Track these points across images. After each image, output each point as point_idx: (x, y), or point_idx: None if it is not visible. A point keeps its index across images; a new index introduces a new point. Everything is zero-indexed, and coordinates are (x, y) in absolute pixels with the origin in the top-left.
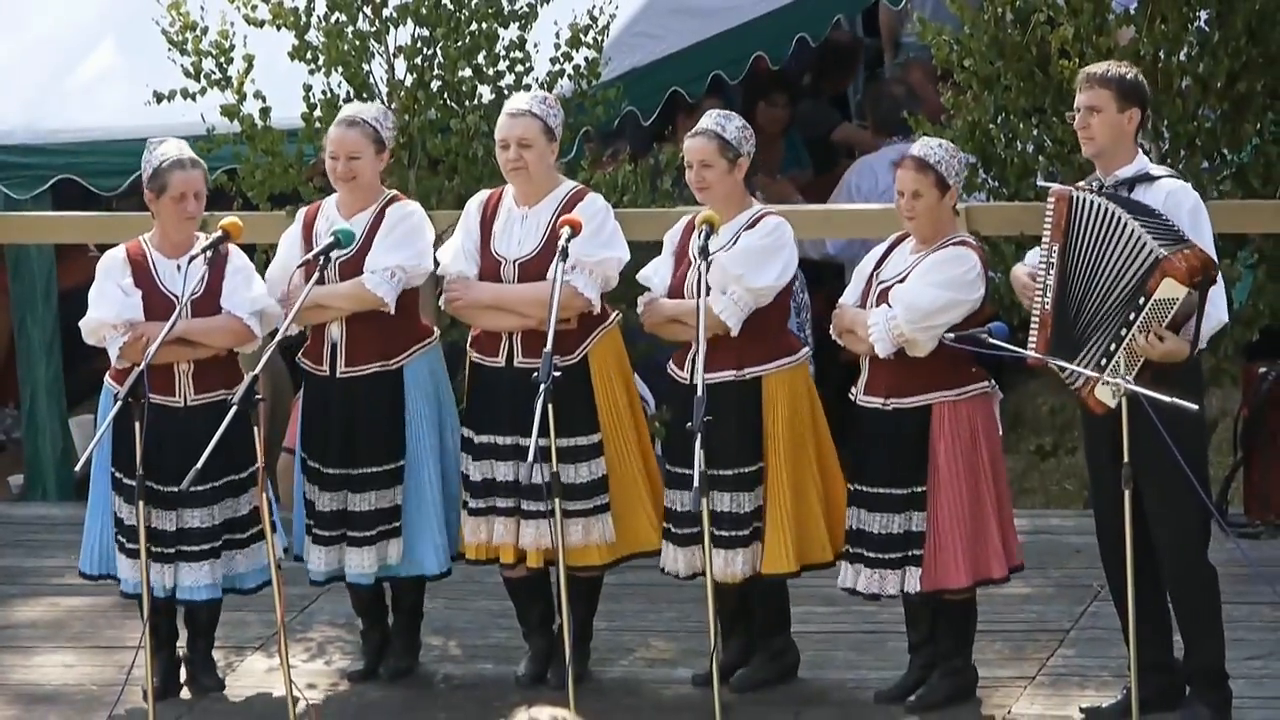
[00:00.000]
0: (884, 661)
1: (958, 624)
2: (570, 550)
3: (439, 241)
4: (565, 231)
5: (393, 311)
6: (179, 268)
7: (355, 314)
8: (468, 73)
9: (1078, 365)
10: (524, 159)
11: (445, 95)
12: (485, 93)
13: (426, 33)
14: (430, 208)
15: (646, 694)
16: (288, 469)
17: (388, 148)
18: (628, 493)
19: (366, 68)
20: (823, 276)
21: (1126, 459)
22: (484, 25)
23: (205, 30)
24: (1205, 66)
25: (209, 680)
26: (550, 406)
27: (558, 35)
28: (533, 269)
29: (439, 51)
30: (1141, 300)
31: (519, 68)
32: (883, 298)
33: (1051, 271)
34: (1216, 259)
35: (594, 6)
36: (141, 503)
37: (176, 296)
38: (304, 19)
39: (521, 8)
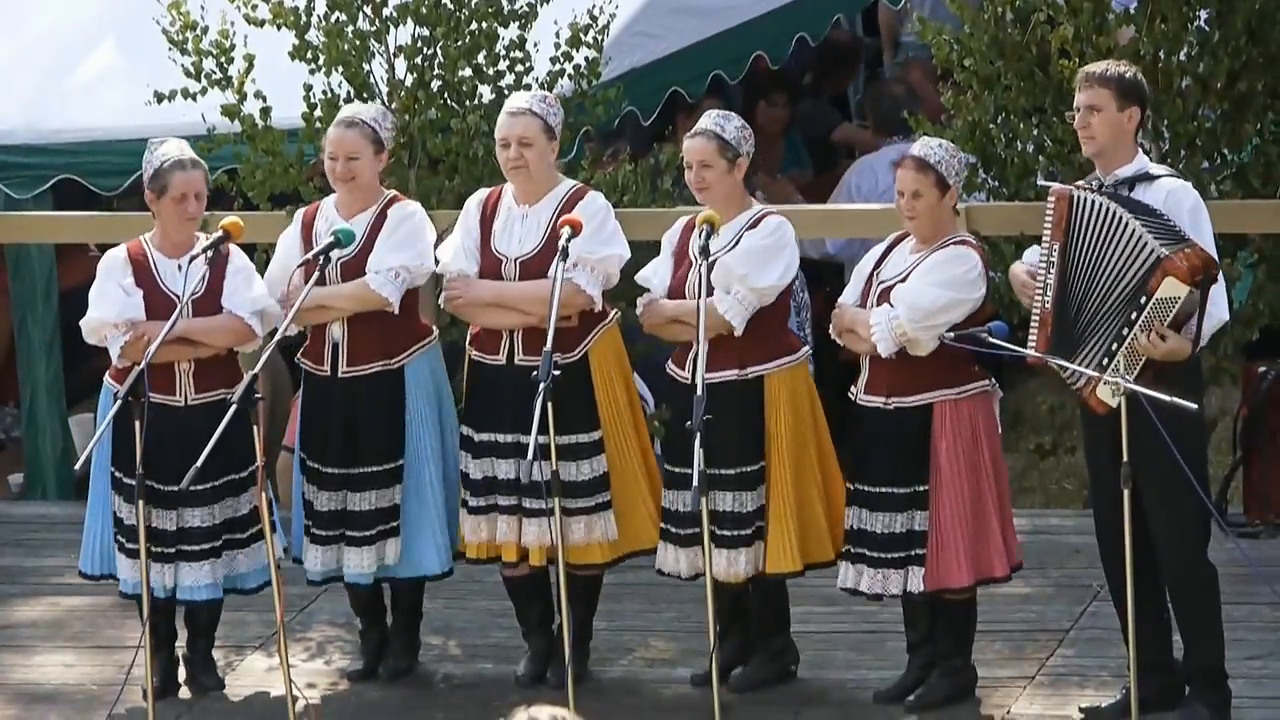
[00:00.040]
0: (884, 661)
1: (958, 623)
2: (573, 548)
3: (439, 240)
4: (565, 231)
5: (397, 311)
6: (180, 267)
7: (357, 314)
8: (468, 72)
9: (1078, 364)
10: (525, 157)
11: (445, 95)
12: (485, 92)
13: (427, 32)
14: (431, 207)
15: (646, 694)
16: (287, 468)
17: (386, 148)
18: (628, 490)
19: (367, 67)
20: (822, 276)
21: (1126, 458)
22: (484, 25)
23: (205, 30)
24: (1205, 66)
25: (209, 680)
26: (550, 405)
27: (558, 35)
28: (534, 267)
29: (439, 51)
30: (1143, 300)
31: (519, 67)
32: (883, 297)
33: (1052, 270)
34: (1217, 258)
35: (594, 6)
36: (141, 502)
37: (177, 296)
38: (304, 18)
39: (521, 7)
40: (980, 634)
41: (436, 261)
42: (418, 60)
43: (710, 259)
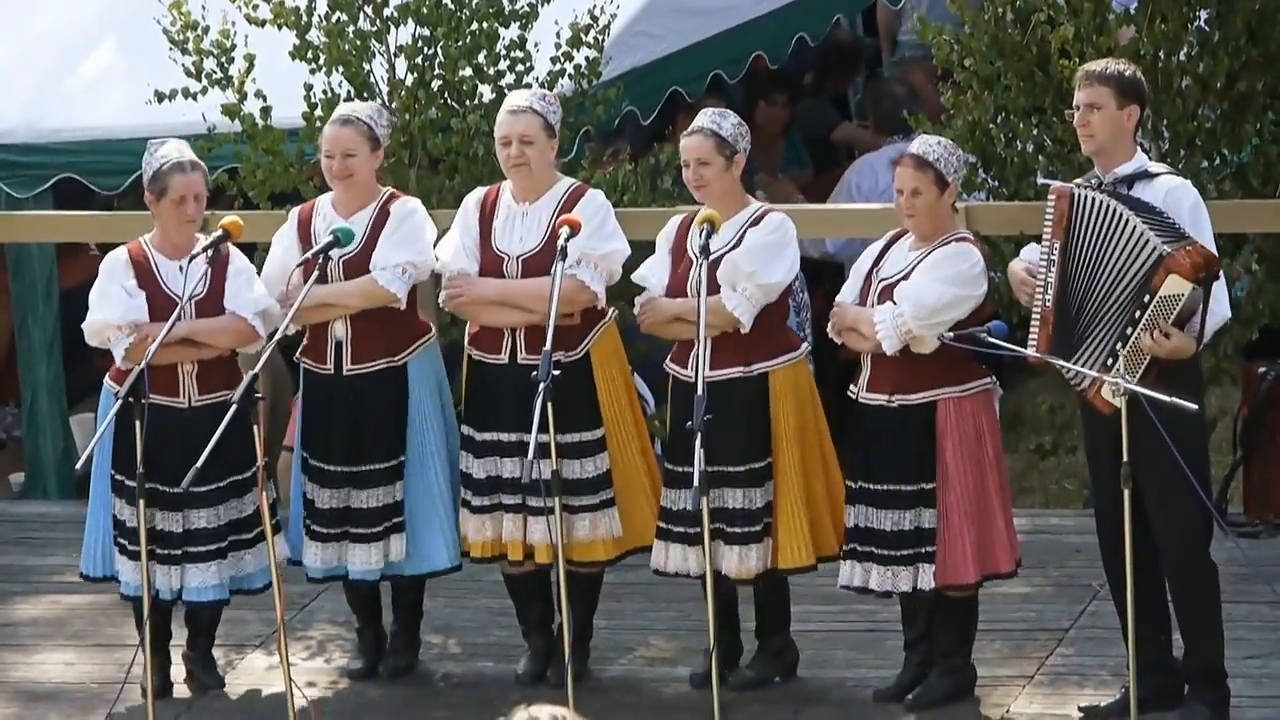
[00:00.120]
0: (883, 660)
1: (959, 622)
2: (577, 545)
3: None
4: (564, 231)
5: (404, 307)
6: (181, 268)
7: (360, 312)
8: (468, 72)
9: (1081, 364)
10: (526, 155)
11: (446, 95)
12: (486, 92)
13: (427, 32)
14: (431, 206)
15: (646, 693)
16: (288, 468)
17: (383, 145)
18: (630, 487)
19: (367, 67)
20: (822, 275)
21: (1126, 458)
22: (485, 25)
23: (206, 30)
24: (1205, 66)
25: (209, 678)
26: (550, 404)
27: (558, 35)
28: (535, 265)
29: (440, 51)
30: (1146, 298)
31: (520, 67)
32: (884, 295)
33: (1053, 269)
34: (1217, 256)
35: (594, 6)
36: (141, 502)
37: (180, 297)
38: (305, 18)
39: (522, 7)
40: (980, 633)
41: (435, 259)
42: (418, 60)
43: (711, 257)
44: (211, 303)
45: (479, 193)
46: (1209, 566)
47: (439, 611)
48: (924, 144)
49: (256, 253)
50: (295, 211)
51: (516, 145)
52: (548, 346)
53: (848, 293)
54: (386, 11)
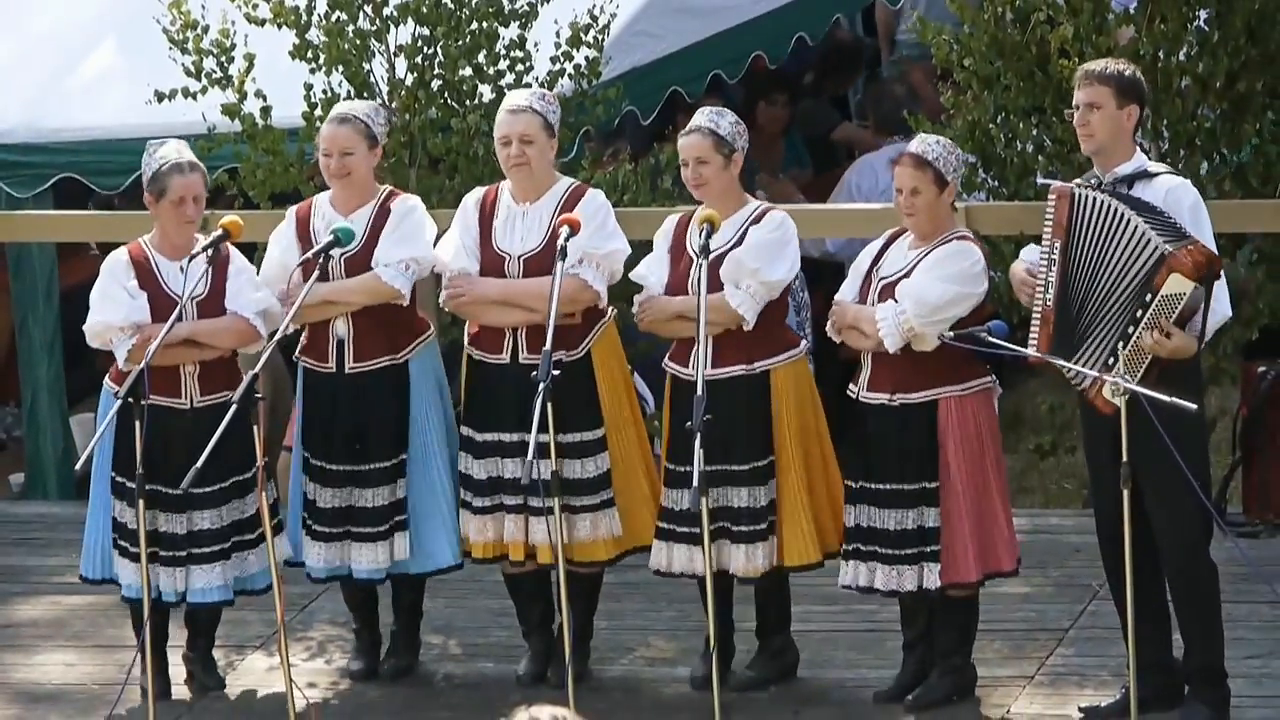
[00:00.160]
0: (883, 660)
1: (960, 621)
2: (578, 545)
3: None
4: (564, 231)
5: (407, 303)
6: (181, 269)
7: (362, 310)
8: (468, 72)
9: (1082, 363)
10: (526, 155)
11: (446, 94)
12: (486, 92)
13: (427, 32)
14: (431, 206)
15: (646, 693)
16: (288, 468)
17: (380, 143)
18: (630, 486)
19: (367, 66)
20: (822, 275)
21: (1126, 458)
22: (484, 24)
23: (206, 29)
24: (1205, 66)
25: (210, 679)
26: (550, 404)
27: (558, 34)
28: (537, 265)
29: (439, 50)
30: (1148, 297)
31: (519, 67)
32: (885, 294)
33: (1053, 268)
34: (1216, 253)
35: (594, 6)
36: (141, 503)
37: (181, 297)
38: (305, 18)
39: (522, 7)
40: (980, 633)
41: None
42: (418, 60)
43: (711, 256)
44: (213, 303)
45: (478, 193)
46: (1209, 566)
47: (439, 612)
48: (923, 143)
49: (256, 253)
50: (292, 210)
51: (517, 145)
52: (548, 346)
53: (847, 291)
54: (386, 11)
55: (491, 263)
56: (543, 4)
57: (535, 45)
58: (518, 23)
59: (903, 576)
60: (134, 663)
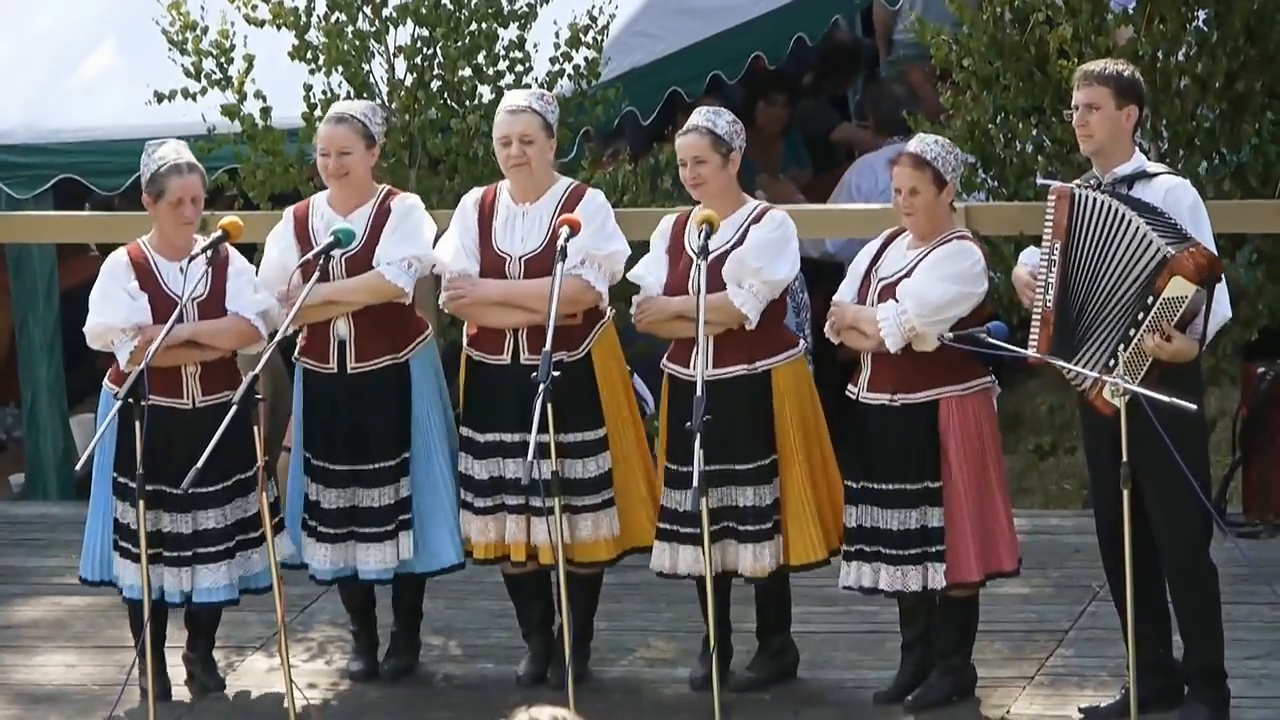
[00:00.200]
0: (883, 661)
1: (960, 622)
2: (580, 545)
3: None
4: (564, 231)
5: (410, 301)
6: (181, 269)
7: (363, 310)
8: (468, 72)
9: (1082, 365)
10: (526, 155)
11: (445, 95)
12: (485, 92)
13: (426, 32)
14: (431, 207)
15: (646, 694)
16: (288, 468)
17: (378, 143)
18: (629, 486)
19: (366, 67)
20: (822, 275)
21: (1125, 458)
22: (484, 25)
23: (205, 30)
24: (1204, 66)
25: (210, 680)
26: (550, 405)
27: (557, 35)
28: (537, 266)
29: (439, 51)
30: (1150, 299)
31: (519, 68)
32: (885, 294)
33: (1053, 269)
34: (1216, 254)
35: (594, 6)
36: (141, 503)
37: (181, 298)
38: (304, 19)
39: (521, 8)
40: (980, 634)
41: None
42: (417, 60)
43: (711, 256)
44: (213, 304)
45: (476, 193)
46: (1209, 567)
47: (439, 613)
48: (922, 143)
49: (256, 253)
50: (290, 211)
51: (517, 145)
52: (548, 347)
53: (845, 292)
54: (386, 12)
55: (492, 263)
56: (542, 5)
57: (535, 46)
58: (517, 23)
59: (907, 577)
60: (134, 664)
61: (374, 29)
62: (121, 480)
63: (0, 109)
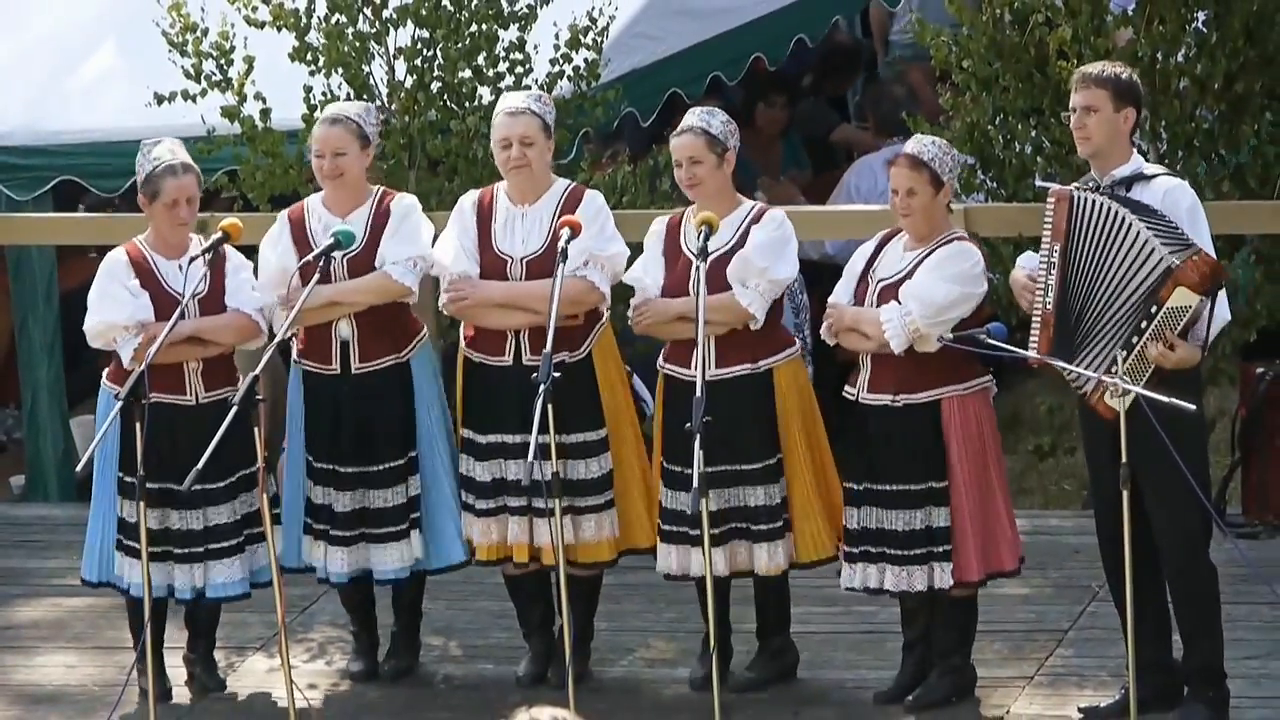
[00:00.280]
0: (883, 661)
1: (960, 622)
2: (584, 546)
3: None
4: (565, 233)
5: (416, 300)
6: (180, 268)
7: (365, 311)
8: (468, 74)
9: (1082, 368)
10: (527, 157)
11: (445, 96)
12: (485, 94)
13: (426, 34)
14: (431, 208)
15: (646, 694)
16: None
17: (372, 143)
18: (627, 487)
19: (367, 69)
20: (821, 277)
21: (1125, 459)
22: (484, 27)
23: (205, 32)
24: (1203, 67)
25: (210, 680)
26: (551, 405)
27: (557, 37)
28: (539, 267)
29: (439, 53)
30: (1154, 309)
31: (519, 69)
32: (885, 296)
33: (1052, 271)
34: (1215, 257)
35: (593, 8)
36: (141, 503)
37: (182, 296)
38: (304, 20)
39: (521, 9)
40: (980, 634)
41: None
42: (418, 62)
43: (710, 258)
44: (213, 300)
45: (473, 195)
46: (1208, 567)
47: (440, 613)
48: (919, 144)
49: (254, 255)
50: (284, 215)
51: (517, 147)
52: (548, 348)
53: (841, 293)
54: (386, 13)
55: (493, 265)
56: (542, 6)
57: (535, 47)
58: (517, 25)
59: (913, 577)
60: (134, 664)
61: (374, 30)
62: (127, 479)
63: (0, 110)
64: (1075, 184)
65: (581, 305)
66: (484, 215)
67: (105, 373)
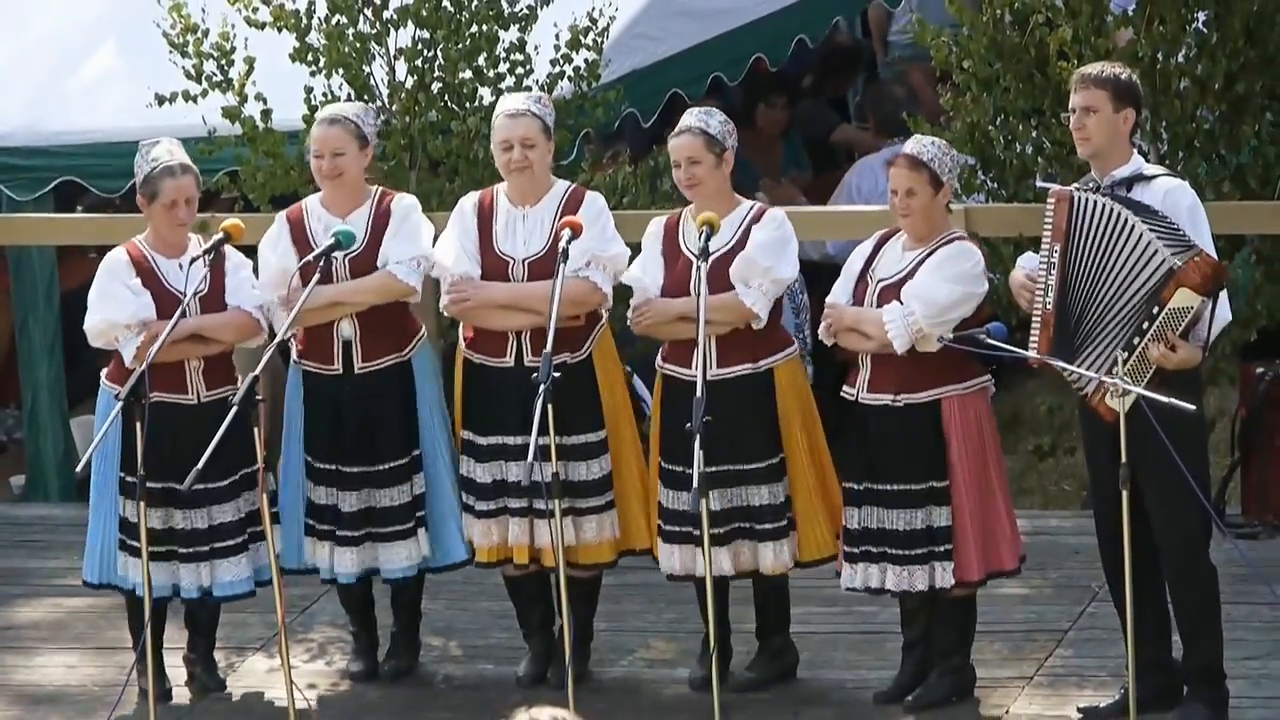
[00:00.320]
0: (883, 661)
1: (959, 622)
2: (585, 547)
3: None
4: (565, 233)
5: (419, 299)
6: (180, 267)
7: (367, 310)
8: (468, 75)
9: (1082, 369)
10: (529, 159)
11: (446, 97)
12: (486, 95)
13: (427, 35)
14: (431, 209)
15: (646, 694)
16: None
17: (371, 143)
18: (626, 488)
19: (367, 70)
20: (821, 277)
21: (1125, 459)
22: (484, 27)
23: (206, 32)
24: (1203, 68)
25: (211, 680)
26: (551, 406)
27: (557, 37)
28: (541, 268)
29: (439, 54)
30: (1155, 310)
31: (519, 70)
32: (886, 296)
33: (1052, 272)
34: (1216, 258)
35: (594, 8)
36: (142, 503)
37: (183, 295)
38: (305, 21)
39: (521, 10)
40: (979, 634)
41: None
42: (418, 63)
43: (711, 258)
44: (214, 299)
45: (473, 196)
46: (1208, 567)
47: (440, 614)
48: (918, 144)
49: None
50: (282, 216)
51: (519, 149)
52: (548, 349)
53: (839, 294)
54: (386, 14)
55: (494, 266)
56: (542, 7)
57: (535, 48)
58: (517, 26)
59: (914, 576)
60: (134, 664)
61: (375, 31)
62: (129, 479)
63: (1, 111)
64: (1075, 184)
65: (584, 306)
66: (485, 217)
67: (104, 373)
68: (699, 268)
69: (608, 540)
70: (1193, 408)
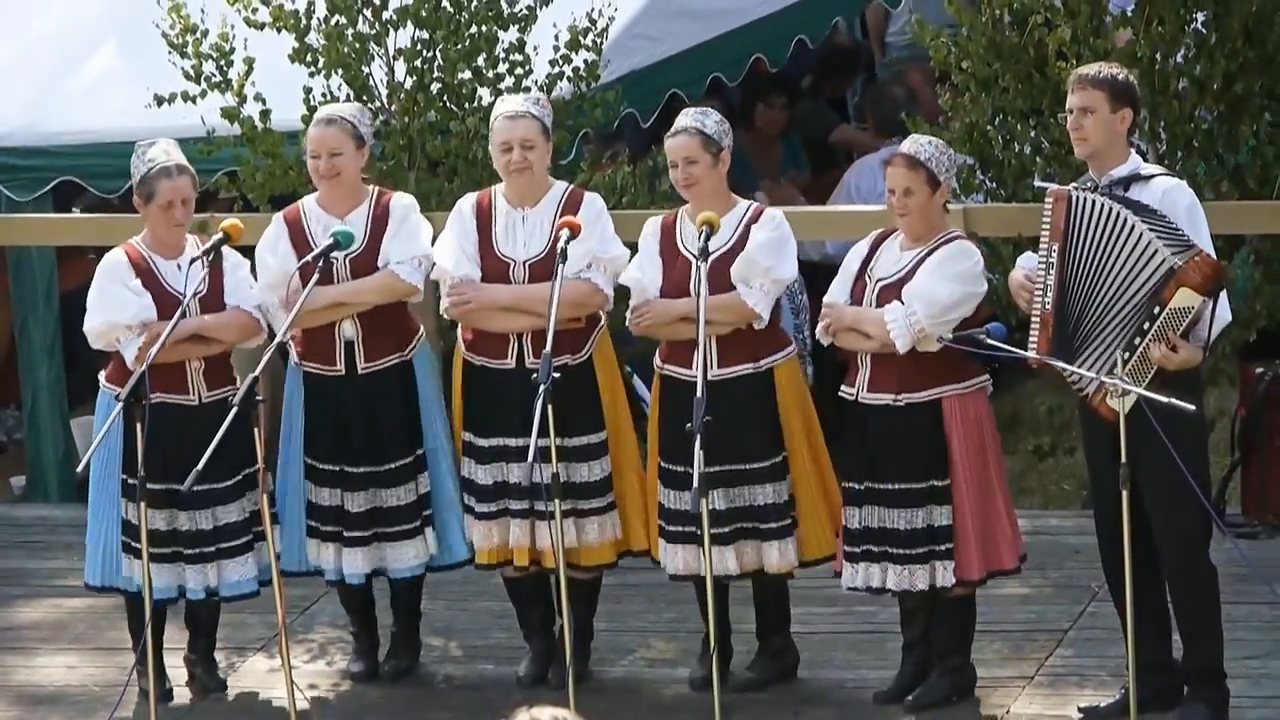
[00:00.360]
0: (883, 661)
1: (958, 622)
2: (586, 549)
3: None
4: (564, 234)
5: (422, 298)
6: (179, 267)
7: (369, 310)
8: (467, 75)
9: (1082, 369)
10: (528, 160)
11: (445, 97)
12: (485, 95)
13: (426, 35)
14: (430, 209)
15: (646, 694)
16: None
17: (367, 143)
18: (626, 488)
19: (366, 70)
20: (820, 277)
21: (1124, 459)
22: (484, 28)
23: (205, 33)
24: (1202, 68)
25: (211, 681)
26: (551, 407)
27: (557, 38)
28: (541, 270)
29: (439, 54)
30: (1156, 310)
31: (518, 70)
32: (885, 296)
33: (1051, 272)
34: (1215, 257)
35: (593, 9)
36: (143, 503)
37: (183, 295)
38: (304, 21)
39: (521, 10)
40: (980, 634)
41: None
42: (417, 63)
43: (710, 258)
44: (213, 299)
45: (471, 198)
46: (1208, 567)
47: (440, 614)
48: (915, 144)
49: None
50: (280, 216)
51: (518, 151)
52: (548, 350)
53: (837, 293)
54: (385, 14)
55: (495, 268)
56: (541, 7)
57: (534, 49)
58: (517, 26)
59: (914, 576)
60: (135, 665)
61: (374, 32)
62: (131, 481)
63: (1, 111)
64: (1074, 184)
65: (586, 308)
66: (484, 219)
67: (103, 374)
68: (699, 268)
69: (609, 541)
70: (1193, 408)
